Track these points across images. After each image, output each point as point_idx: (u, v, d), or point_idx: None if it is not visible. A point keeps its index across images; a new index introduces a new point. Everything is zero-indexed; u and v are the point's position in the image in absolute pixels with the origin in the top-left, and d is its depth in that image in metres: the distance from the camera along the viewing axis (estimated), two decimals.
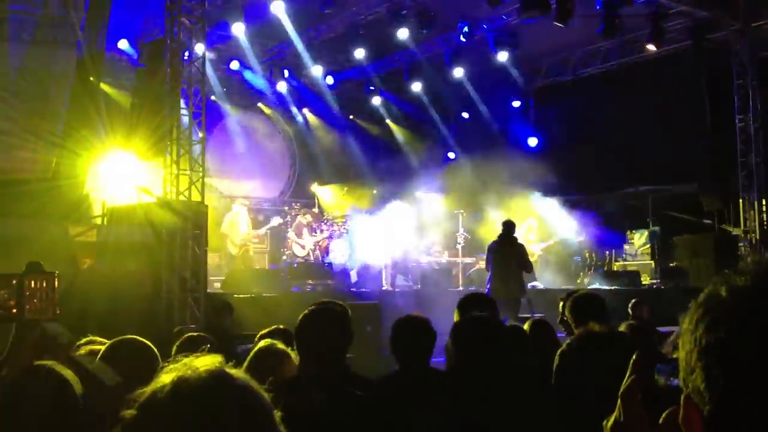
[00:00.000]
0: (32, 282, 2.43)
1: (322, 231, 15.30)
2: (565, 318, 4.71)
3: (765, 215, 14.89)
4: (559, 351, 2.72)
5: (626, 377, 1.36)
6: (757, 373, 0.98)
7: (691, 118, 15.70)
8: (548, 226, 15.94)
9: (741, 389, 0.99)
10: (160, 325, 8.84)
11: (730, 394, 1.00)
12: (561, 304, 4.94)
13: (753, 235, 14.90)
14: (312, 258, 14.92)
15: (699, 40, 14.76)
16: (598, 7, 13.59)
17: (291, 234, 14.96)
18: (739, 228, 15.06)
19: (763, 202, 14.91)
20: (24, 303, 2.37)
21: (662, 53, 15.62)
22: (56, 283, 2.43)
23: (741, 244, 14.99)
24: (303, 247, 14.81)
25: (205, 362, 1.27)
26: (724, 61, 15.38)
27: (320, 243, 15.12)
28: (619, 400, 1.34)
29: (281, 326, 4.42)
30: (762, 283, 1.02)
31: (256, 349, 3.65)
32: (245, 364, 3.41)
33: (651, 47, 15.10)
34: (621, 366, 1.38)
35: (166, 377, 1.25)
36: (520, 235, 15.13)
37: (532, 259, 14.83)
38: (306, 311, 3.63)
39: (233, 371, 1.28)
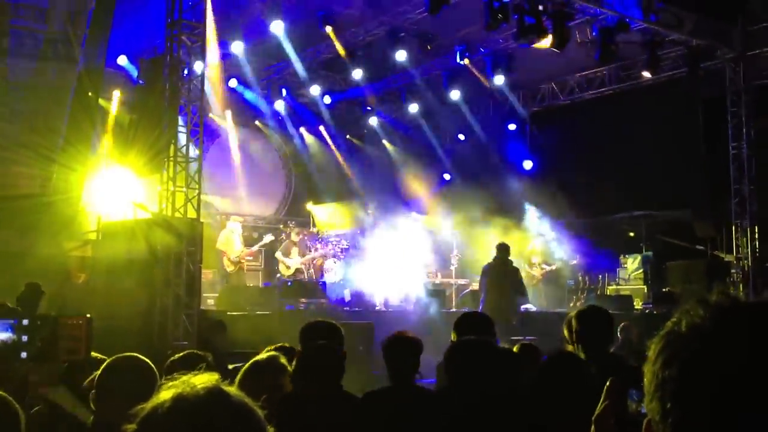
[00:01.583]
0: (69, 321, 2.44)
1: (316, 249, 15.31)
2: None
3: (757, 242, 14.96)
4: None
5: (600, 402, 1.38)
6: (707, 410, 0.98)
7: (686, 144, 15.83)
8: (542, 249, 15.98)
9: (691, 425, 1.00)
10: (153, 341, 8.83)
11: (681, 428, 1.01)
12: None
13: (745, 261, 14.97)
14: (306, 276, 14.91)
15: (694, 67, 14.90)
16: (594, 34, 13.73)
17: (278, 254, 14.95)
18: (731, 255, 15.13)
19: (756, 229, 14.99)
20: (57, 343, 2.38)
21: (658, 80, 15.76)
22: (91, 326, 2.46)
23: (733, 270, 15.06)
24: (289, 267, 14.76)
25: (203, 380, 1.31)
26: (719, 89, 15.53)
27: (315, 262, 15.12)
28: (593, 425, 1.37)
29: (286, 344, 4.42)
30: (719, 320, 1.03)
31: (258, 358, 3.68)
32: (243, 371, 3.44)
33: (647, 74, 15.23)
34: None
35: (165, 394, 1.29)
36: (524, 256, 15.29)
37: (533, 282, 15.00)
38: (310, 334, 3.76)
39: (230, 389, 1.33)
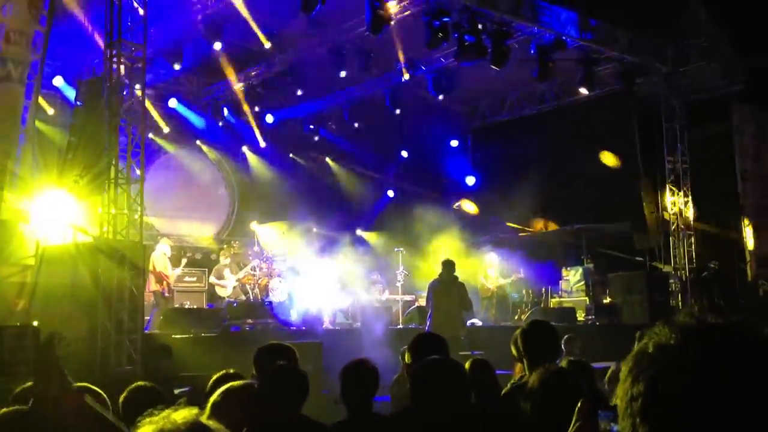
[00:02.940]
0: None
1: (261, 269, 15.16)
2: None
3: (694, 253, 15.41)
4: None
5: (573, 423, 1.42)
6: (672, 426, 1.04)
7: (624, 158, 16.25)
8: (489, 264, 16.13)
9: None
10: (96, 368, 8.62)
11: None
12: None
13: (683, 272, 15.40)
14: (251, 296, 14.76)
15: (629, 83, 15.32)
16: (532, 52, 14.01)
17: (211, 278, 14.76)
18: (669, 266, 15.55)
19: (692, 241, 15.45)
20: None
21: (595, 96, 16.10)
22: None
23: (672, 281, 15.46)
24: (224, 287, 14.58)
25: (183, 415, 1.30)
26: (654, 104, 16.00)
27: (260, 281, 14.97)
28: None
29: (231, 371, 4.32)
30: (684, 340, 1.09)
31: (231, 385, 3.56)
32: (214, 398, 3.35)
33: (583, 90, 15.60)
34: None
35: (146, 430, 1.28)
36: (482, 269, 15.45)
37: (487, 295, 15.18)
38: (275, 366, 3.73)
39: (210, 422, 1.32)
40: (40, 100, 12.53)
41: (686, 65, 15.46)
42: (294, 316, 13.36)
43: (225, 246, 15.95)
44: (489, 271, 15.59)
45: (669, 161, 15.72)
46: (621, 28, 14.81)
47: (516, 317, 15.50)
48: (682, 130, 15.68)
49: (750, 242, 15.54)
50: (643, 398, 1.07)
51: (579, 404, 1.42)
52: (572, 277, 16.63)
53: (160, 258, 13.53)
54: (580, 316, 15.40)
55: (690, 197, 15.52)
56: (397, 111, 17.38)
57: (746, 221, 15.62)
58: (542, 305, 16.07)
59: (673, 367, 1.06)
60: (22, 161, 11.39)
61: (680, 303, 15.18)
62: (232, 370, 4.24)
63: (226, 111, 17.42)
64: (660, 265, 15.66)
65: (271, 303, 13.50)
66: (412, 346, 4.40)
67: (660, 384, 1.06)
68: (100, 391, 3.01)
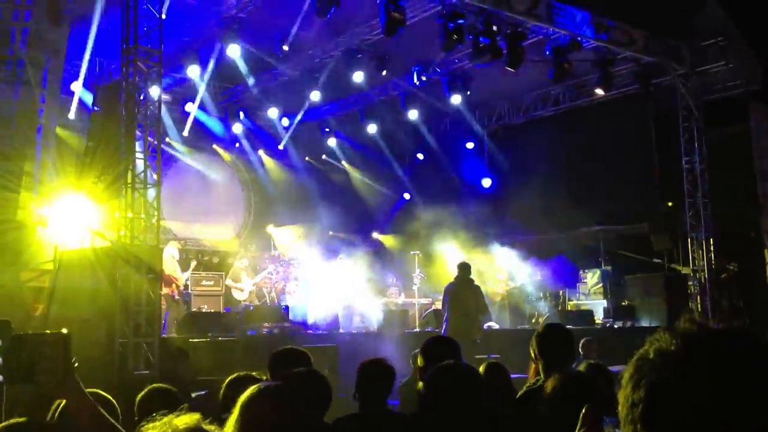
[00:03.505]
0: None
1: (278, 272, 15.21)
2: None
3: (713, 255, 15.28)
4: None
5: (578, 428, 1.42)
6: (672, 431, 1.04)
7: (641, 159, 16.16)
8: (504, 266, 16.11)
9: None
10: (113, 372, 8.67)
11: None
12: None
13: (702, 274, 15.26)
14: (268, 300, 14.80)
15: (646, 84, 15.22)
16: (547, 53, 13.96)
17: (228, 281, 14.81)
18: (688, 267, 15.42)
19: (711, 242, 15.31)
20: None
21: (611, 97, 16.01)
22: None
23: (690, 282, 15.34)
24: (242, 290, 14.64)
25: (185, 420, 1.30)
26: (671, 105, 15.89)
27: (276, 285, 15.02)
28: None
29: (253, 373, 4.30)
30: (684, 347, 1.10)
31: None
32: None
33: (599, 91, 15.52)
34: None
35: None
36: (491, 272, 15.41)
37: (497, 299, 15.11)
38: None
39: (211, 428, 1.32)
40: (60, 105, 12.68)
41: (703, 65, 15.35)
42: (311, 319, 13.38)
43: (242, 249, 16.02)
44: (498, 275, 15.52)
45: (686, 162, 15.60)
46: (637, 27, 14.71)
47: (533, 320, 15.44)
48: (699, 130, 15.56)
49: None
50: (644, 404, 1.08)
51: (584, 410, 1.42)
52: (590, 279, 16.54)
53: (168, 261, 13.48)
54: (598, 318, 15.31)
55: (708, 198, 15.38)
56: (413, 113, 17.39)
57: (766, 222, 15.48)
58: (559, 308, 16.00)
59: (674, 373, 1.07)
60: (41, 165, 11.52)
61: (699, 305, 15.05)
62: (243, 373, 4.23)
63: (242, 114, 17.51)
64: (678, 267, 15.54)
65: (287, 307, 13.52)
66: (424, 350, 4.40)
67: (661, 390, 1.07)
68: (109, 397, 3.02)
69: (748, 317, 14.15)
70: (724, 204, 15.34)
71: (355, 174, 19.86)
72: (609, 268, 16.28)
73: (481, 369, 4.78)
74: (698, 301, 15.16)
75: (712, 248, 15.29)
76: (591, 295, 16.41)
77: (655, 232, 15.77)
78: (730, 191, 15.26)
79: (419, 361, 4.55)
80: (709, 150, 15.48)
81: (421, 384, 4.22)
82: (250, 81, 16.02)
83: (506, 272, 15.71)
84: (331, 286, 14.04)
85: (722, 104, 15.64)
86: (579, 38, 13.84)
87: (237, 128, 17.74)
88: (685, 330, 1.13)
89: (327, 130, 18.83)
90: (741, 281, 14.89)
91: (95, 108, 12.23)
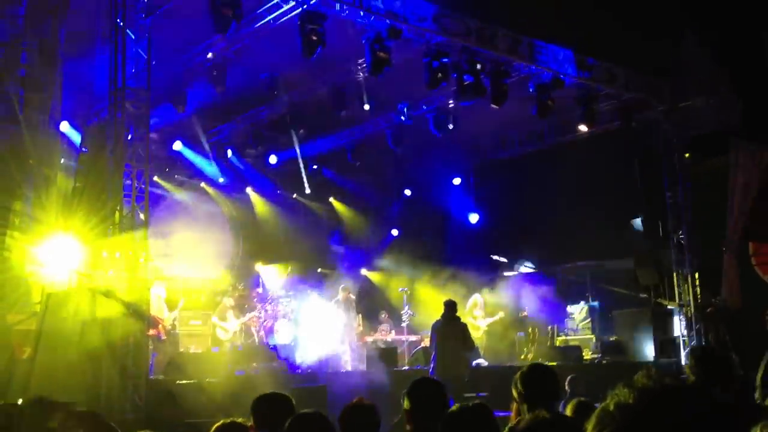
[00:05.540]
0: None
1: (266, 311, 15.16)
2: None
3: (698, 289, 15.37)
4: None
5: None
6: None
7: (626, 194, 16.31)
8: (492, 302, 16.13)
9: None
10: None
11: None
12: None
13: (688, 308, 15.35)
14: (257, 339, 14.74)
15: (628, 120, 15.44)
16: (531, 91, 14.16)
17: (214, 319, 14.72)
18: (674, 302, 15.50)
19: (696, 276, 15.42)
20: None
21: (596, 132, 16.19)
22: None
23: (677, 317, 15.41)
24: (227, 330, 14.53)
25: None
26: (654, 140, 16.09)
27: (265, 323, 14.97)
28: None
29: (239, 420, 4.31)
30: (640, 400, 1.20)
31: None
32: None
33: (583, 128, 15.71)
34: None
35: None
36: (467, 310, 15.38)
37: (478, 334, 15.05)
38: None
39: None
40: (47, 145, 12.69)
41: (684, 101, 15.59)
42: (299, 358, 13.33)
43: (230, 288, 15.98)
44: (476, 311, 15.52)
45: (669, 196, 15.78)
46: (619, 65, 14.97)
47: (522, 357, 15.43)
48: (682, 165, 15.77)
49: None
50: None
51: None
52: (578, 314, 16.61)
53: (154, 301, 13.31)
54: (587, 354, 15.33)
55: (692, 232, 15.52)
56: (399, 150, 17.54)
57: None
58: (548, 343, 16.00)
59: (630, 426, 1.17)
60: (33, 204, 11.51)
61: (686, 339, 15.11)
62: (229, 420, 4.23)
63: (230, 153, 17.60)
64: (665, 302, 15.61)
65: (276, 346, 13.46)
66: (409, 392, 4.40)
67: None
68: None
69: (735, 351, 14.20)
70: (708, 238, 15.48)
71: (342, 211, 19.93)
72: (596, 303, 16.35)
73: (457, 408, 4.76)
74: (685, 335, 15.22)
75: (697, 282, 15.39)
76: (579, 330, 16.45)
77: (640, 267, 15.88)
78: (715, 225, 15.40)
79: (405, 403, 4.55)
80: (692, 185, 15.66)
81: (408, 428, 4.25)
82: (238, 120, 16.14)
83: (482, 308, 15.69)
84: (320, 324, 14.01)
85: (704, 139, 15.85)
86: (561, 76, 14.06)
87: (225, 166, 17.80)
88: (643, 385, 1.23)
89: (314, 166, 18.93)
90: (727, 315, 14.96)
91: (83, 148, 12.29)
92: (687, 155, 15.80)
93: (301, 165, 18.18)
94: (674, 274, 15.54)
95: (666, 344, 14.60)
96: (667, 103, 15.70)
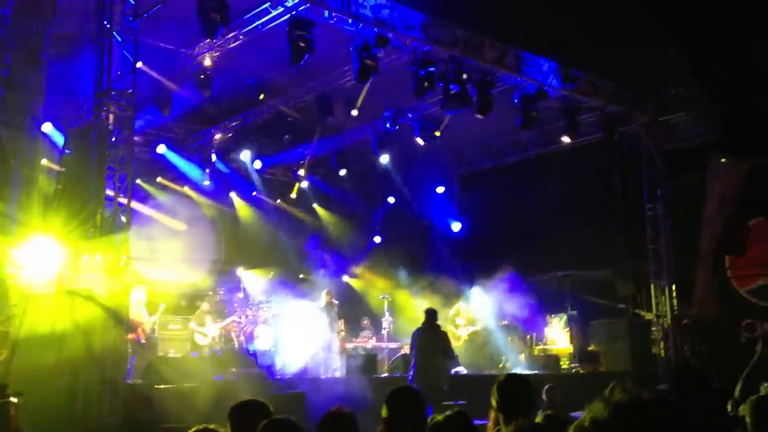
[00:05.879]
0: None
1: (247, 316, 15.13)
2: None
3: (675, 301, 15.53)
4: None
5: None
6: None
7: (606, 205, 16.43)
8: (472, 311, 16.20)
9: None
10: (77, 419, 8.55)
11: None
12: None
13: (665, 319, 15.49)
14: (237, 343, 14.70)
15: (610, 132, 15.58)
16: (516, 101, 14.26)
17: (192, 324, 14.67)
18: (651, 313, 15.65)
19: (673, 288, 15.57)
20: None
21: (579, 144, 16.32)
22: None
23: (654, 328, 15.55)
24: (206, 335, 14.49)
25: None
26: (635, 152, 16.25)
27: (245, 329, 14.94)
28: None
29: (211, 426, 4.30)
30: (614, 415, 1.23)
31: None
32: None
33: (566, 139, 15.85)
34: None
35: None
36: (449, 318, 15.45)
37: (458, 343, 15.11)
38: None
39: None
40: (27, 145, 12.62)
41: (666, 115, 15.77)
42: (279, 364, 13.31)
43: (210, 293, 15.92)
44: (458, 320, 15.60)
45: (649, 209, 15.94)
46: (602, 77, 15.11)
47: (501, 365, 15.50)
48: (661, 178, 15.93)
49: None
50: None
51: None
52: (557, 324, 16.70)
53: (134, 305, 13.16)
54: (564, 363, 15.41)
55: (670, 245, 15.67)
56: (384, 157, 17.57)
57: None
58: (527, 352, 16.08)
59: None
60: (18, 206, 11.43)
61: (662, 350, 15.25)
62: (202, 426, 4.21)
63: (214, 157, 17.56)
64: (642, 313, 15.75)
65: (255, 352, 13.42)
66: (388, 401, 4.41)
67: None
68: None
69: (711, 362, 14.35)
70: (686, 251, 15.65)
71: (326, 217, 19.94)
72: (575, 312, 16.46)
73: (440, 418, 4.79)
74: (661, 346, 15.36)
75: (674, 294, 15.54)
76: (558, 339, 16.54)
77: (619, 278, 16.02)
78: (693, 238, 15.57)
79: (384, 412, 4.57)
80: (671, 197, 15.83)
81: None
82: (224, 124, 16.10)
83: (465, 316, 15.77)
84: (300, 331, 13.99)
85: (685, 153, 16.03)
86: (546, 87, 14.18)
87: (209, 170, 17.76)
88: (617, 399, 1.25)
89: (299, 173, 18.93)
90: (703, 327, 15.12)
91: (66, 150, 12.22)
92: (666, 168, 15.96)
93: (286, 171, 18.17)
94: (651, 286, 15.68)
95: (643, 355, 14.72)
96: (648, 116, 15.87)
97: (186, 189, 18.01)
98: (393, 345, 15.57)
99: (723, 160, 15.23)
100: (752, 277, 15.66)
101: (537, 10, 13.65)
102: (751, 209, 15.64)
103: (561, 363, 15.23)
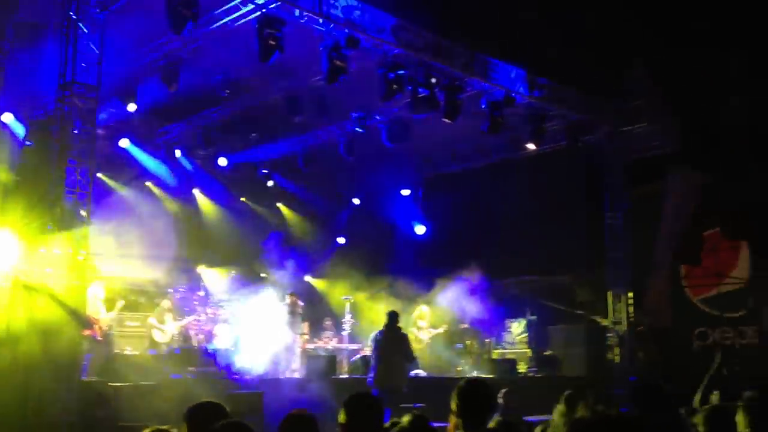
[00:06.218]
0: None
1: (206, 314, 15.01)
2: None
3: (631, 308, 15.78)
4: None
5: None
6: None
7: (568, 212, 16.63)
8: (435, 314, 16.27)
9: None
10: (29, 417, 8.40)
11: None
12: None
13: (620, 326, 15.73)
14: (195, 342, 14.58)
15: (574, 140, 15.78)
16: (483, 107, 14.37)
17: (151, 320, 14.52)
18: (607, 319, 15.89)
19: (630, 295, 15.82)
20: None
21: (544, 150, 16.50)
22: None
23: (609, 335, 15.79)
24: (164, 332, 14.36)
25: None
26: (598, 161, 16.48)
27: (204, 327, 14.82)
28: None
29: (164, 427, 4.25)
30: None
31: None
32: None
33: (531, 145, 15.99)
34: None
35: None
36: (411, 320, 15.51)
37: (420, 345, 15.17)
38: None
39: None
40: None
41: (628, 124, 16.03)
42: (238, 364, 13.21)
43: (170, 290, 15.75)
44: (420, 323, 15.68)
45: (609, 217, 16.16)
46: (568, 86, 15.29)
47: (459, 368, 15.58)
48: (622, 187, 16.18)
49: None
50: None
51: None
52: (515, 328, 16.87)
53: (91, 300, 12.88)
54: (522, 367, 15.56)
55: (629, 253, 15.91)
56: (351, 159, 17.55)
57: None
58: (485, 356, 16.20)
59: None
60: None
61: (617, 356, 15.48)
62: (155, 428, 4.17)
63: (178, 153, 17.38)
64: (599, 319, 15.98)
65: (214, 351, 13.31)
66: (345, 406, 4.42)
67: None
68: None
69: (664, 368, 14.61)
70: (644, 259, 15.91)
71: (290, 216, 19.86)
72: (534, 317, 16.63)
73: (405, 420, 4.81)
74: (616, 352, 15.60)
75: (630, 301, 15.79)
76: (516, 344, 16.70)
77: (578, 284, 16.24)
78: (651, 247, 15.84)
79: (341, 417, 4.58)
80: (631, 206, 16.07)
81: None
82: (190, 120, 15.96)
83: (428, 319, 15.84)
84: (260, 330, 13.91)
85: (645, 163, 16.30)
86: (513, 94, 14.31)
87: (172, 166, 17.58)
88: (579, 417, 1.29)
89: (265, 171, 18.82)
90: (657, 334, 15.40)
91: (27, 142, 12.03)
92: (627, 177, 16.21)
93: (251, 169, 18.07)
94: (609, 293, 15.91)
95: (598, 360, 14.94)
96: (611, 126, 16.11)
97: (148, 184, 17.81)
98: (354, 346, 15.58)
99: (680, 172, 15.51)
100: (706, 287, 16.02)
101: (506, 18, 13.76)
102: (706, 221, 16.00)
103: (519, 367, 15.37)
